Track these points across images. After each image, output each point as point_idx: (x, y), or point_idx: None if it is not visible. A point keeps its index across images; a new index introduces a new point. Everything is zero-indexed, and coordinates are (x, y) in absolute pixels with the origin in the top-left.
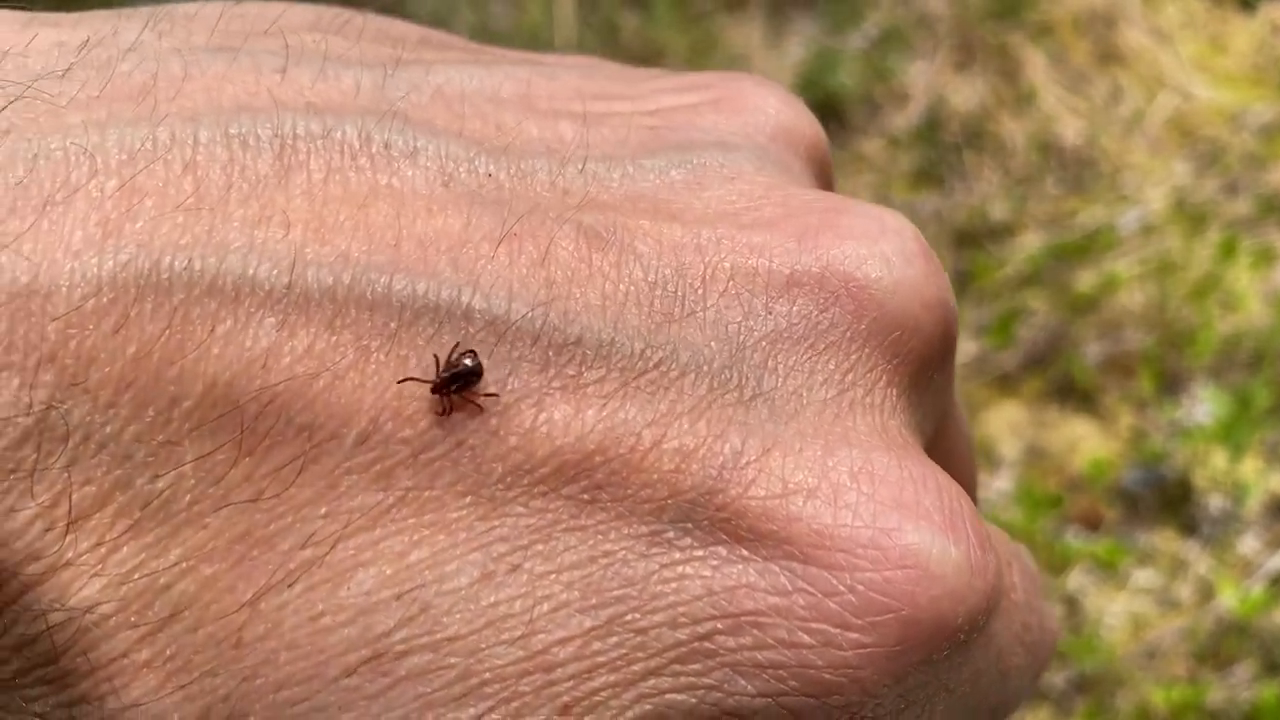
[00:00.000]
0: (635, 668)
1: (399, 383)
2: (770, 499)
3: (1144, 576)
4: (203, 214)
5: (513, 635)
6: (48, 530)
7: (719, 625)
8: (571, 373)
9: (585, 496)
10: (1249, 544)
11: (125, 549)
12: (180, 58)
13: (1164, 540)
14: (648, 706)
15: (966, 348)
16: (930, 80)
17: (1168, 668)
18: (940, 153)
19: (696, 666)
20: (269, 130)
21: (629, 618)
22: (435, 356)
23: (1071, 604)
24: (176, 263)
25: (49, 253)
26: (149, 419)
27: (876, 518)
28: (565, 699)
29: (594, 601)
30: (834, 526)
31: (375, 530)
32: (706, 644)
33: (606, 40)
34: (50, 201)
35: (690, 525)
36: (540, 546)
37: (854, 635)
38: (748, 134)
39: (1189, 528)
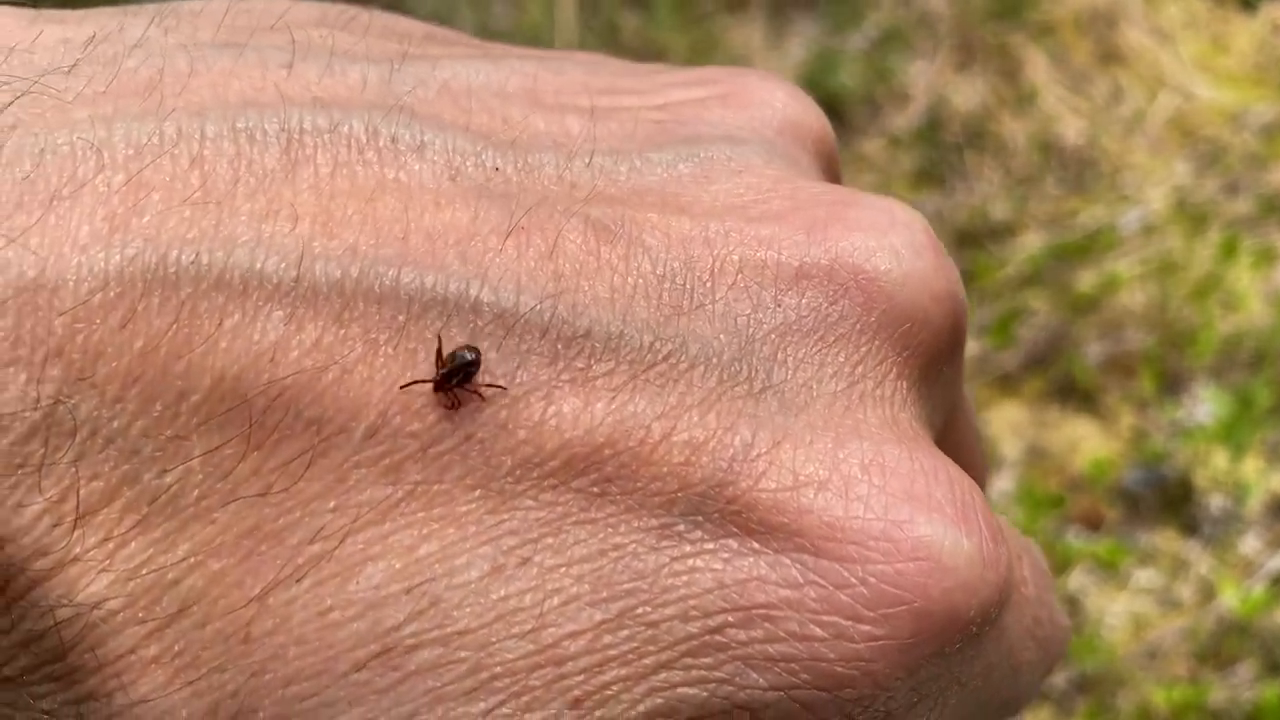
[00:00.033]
0: (646, 661)
1: (401, 388)
2: (781, 491)
3: (1145, 576)
4: (210, 208)
5: (523, 629)
6: (55, 525)
7: (730, 618)
8: (580, 365)
9: (595, 490)
10: (1250, 544)
11: (133, 544)
12: (186, 53)
13: (1165, 540)
14: (659, 700)
15: (967, 347)
16: (931, 80)
17: (1169, 668)
18: (941, 153)
19: (708, 660)
20: (276, 125)
21: (639, 611)
22: (438, 350)
23: (1073, 604)
24: (183, 257)
25: (56, 247)
26: (156, 413)
27: (888, 510)
28: (576, 693)
29: (604, 595)
30: (845, 519)
31: (384, 524)
32: (718, 637)
33: (607, 41)
34: (57, 196)
35: (700, 518)
36: (550, 540)
37: (866, 628)
38: (755, 128)
39: (1190, 528)
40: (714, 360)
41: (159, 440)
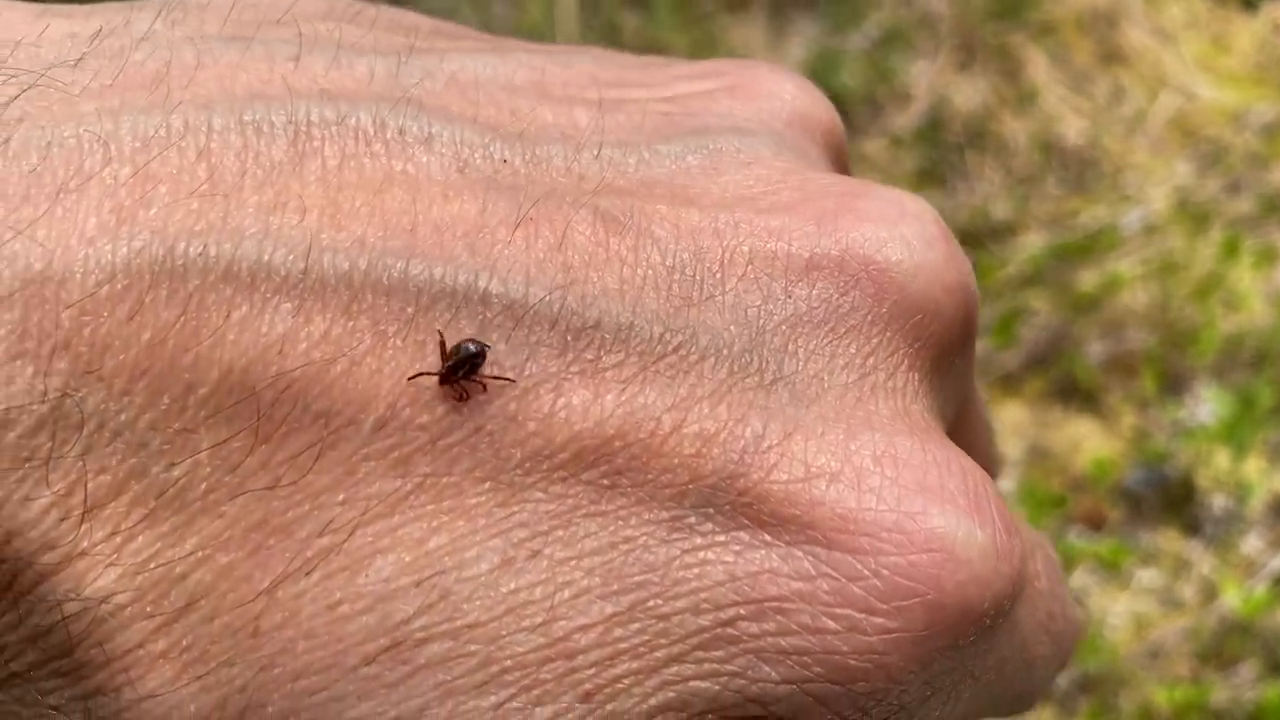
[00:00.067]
0: (658, 654)
1: (408, 380)
2: (793, 483)
3: (1147, 576)
4: (217, 200)
5: (533, 622)
6: (63, 519)
7: (742, 611)
8: (590, 357)
9: (605, 482)
10: (1252, 544)
11: (141, 538)
12: (193, 46)
13: (1167, 540)
14: (670, 694)
15: None
16: (932, 80)
17: (1171, 668)
18: (942, 153)
19: (719, 653)
20: (283, 117)
21: (651, 604)
22: (442, 343)
23: None
24: (191, 249)
25: (63, 239)
26: (164, 406)
27: (901, 501)
28: (587, 686)
29: (615, 588)
30: (858, 510)
31: (394, 517)
32: (729, 630)
33: (608, 40)
34: (64, 189)
35: (712, 510)
36: (560, 532)
37: (879, 620)
38: (763, 119)
39: (1192, 528)
40: (724, 352)
41: (166, 433)
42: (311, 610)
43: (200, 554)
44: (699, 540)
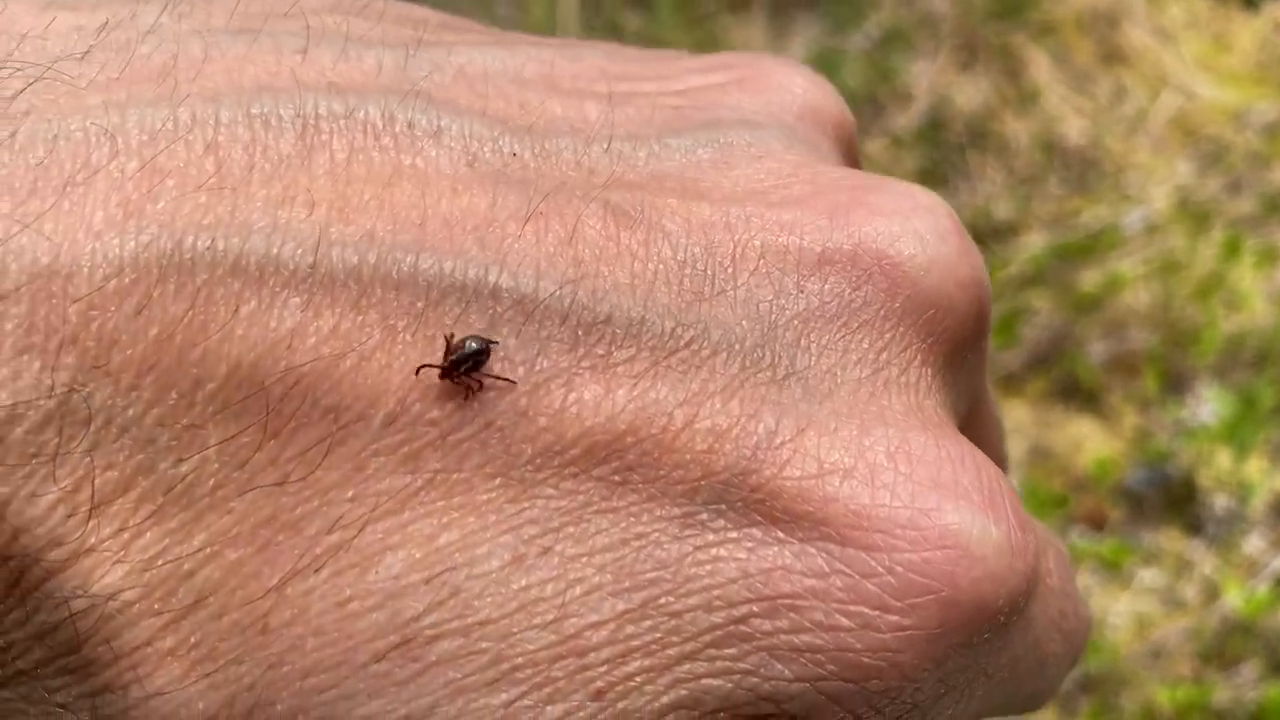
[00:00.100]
0: (670, 652)
1: (416, 371)
2: (806, 479)
3: (1149, 576)
4: (225, 194)
5: (545, 619)
6: (70, 516)
7: (754, 608)
8: (601, 352)
9: (616, 478)
10: (1254, 544)
11: (148, 534)
12: (200, 39)
13: (1169, 540)
14: (683, 691)
15: None
16: (933, 80)
17: (1173, 667)
18: (944, 153)
19: (732, 651)
20: (291, 110)
21: (663, 601)
22: (447, 339)
23: None
24: (199, 243)
25: (70, 233)
26: (172, 402)
27: (915, 498)
28: (599, 684)
29: (627, 585)
30: (871, 507)
31: (404, 513)
32: (742, 627)
33: (609, 40)
34: (71, 182)
35: (724, 506)
36: (571, 529)
37: (893, 618)
38: (774, 112)
39: (1194, 527)
40: (736, 347)
41: (174, 429)
42: (321, 607)
43: (208, 550)
44: (711, 537)
